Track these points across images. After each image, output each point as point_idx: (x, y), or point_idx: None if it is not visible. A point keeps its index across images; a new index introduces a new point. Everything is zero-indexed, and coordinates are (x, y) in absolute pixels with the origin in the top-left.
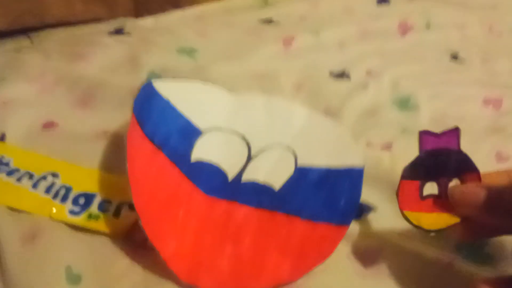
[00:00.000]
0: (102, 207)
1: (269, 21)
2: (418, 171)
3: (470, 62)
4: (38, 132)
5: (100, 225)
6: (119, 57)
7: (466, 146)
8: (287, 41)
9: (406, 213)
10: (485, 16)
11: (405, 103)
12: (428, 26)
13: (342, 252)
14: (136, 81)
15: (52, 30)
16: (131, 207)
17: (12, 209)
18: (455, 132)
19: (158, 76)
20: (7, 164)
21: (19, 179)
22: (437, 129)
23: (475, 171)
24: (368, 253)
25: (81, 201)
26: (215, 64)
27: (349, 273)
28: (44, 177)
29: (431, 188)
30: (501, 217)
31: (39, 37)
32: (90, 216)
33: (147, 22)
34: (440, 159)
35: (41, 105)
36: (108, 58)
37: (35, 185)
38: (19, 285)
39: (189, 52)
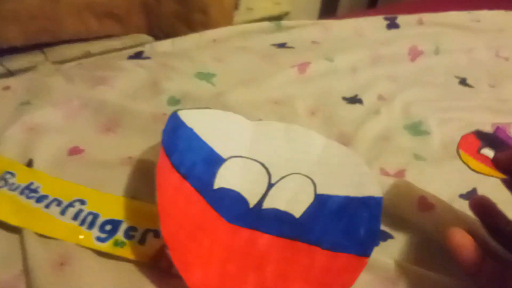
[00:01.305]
0: (128, 234)
1: (282, 45)
2: (486, 137)
3: (479, 87)
4: (64, 158)
5: (126, 252)
6: (139, 81)
7: (475, 175)
8: (302, 67)
9: (461, 152)
10: (492, 40)
11: (416, 128)
12: (437, 51)
13: (362, 280)
14: (157, 106)
15: (67, 46)
16: (156, 234)
17: (40, 235)
18: (506, 129)
19: (178, 101)
20: (35, 191)
21: (47, 206)
22: (446, 155)
23: None
24: (387, 282)
25: (108, 227)
26: (233, 89)
27: None
28: (71, 204)
29: (488, 152)
30: None
31: (53, 53)
32: (116, 243)
33: (165, 45)
34: (503, 146)
35: (67, 131)
36: (129, 82)
37: (63, 212)
38: None
39: (207, 77)
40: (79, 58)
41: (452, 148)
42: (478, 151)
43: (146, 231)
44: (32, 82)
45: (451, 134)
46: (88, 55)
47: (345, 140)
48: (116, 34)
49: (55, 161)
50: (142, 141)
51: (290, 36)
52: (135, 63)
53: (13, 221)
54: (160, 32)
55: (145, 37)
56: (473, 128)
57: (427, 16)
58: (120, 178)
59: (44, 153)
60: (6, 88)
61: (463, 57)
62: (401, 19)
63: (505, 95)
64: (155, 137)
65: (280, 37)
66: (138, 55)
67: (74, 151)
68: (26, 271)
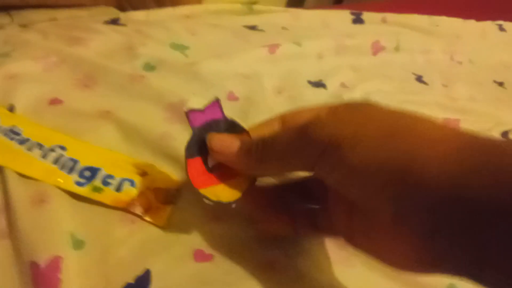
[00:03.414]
0: (106, 181)
1: (253, 28)
2: (197, 147)
3: (433, 85)
4: (44, 107)
5: (103, 197)
6: (115, 45)
7: None
8: (272, 48)
9: (202, 191)
10: (448, 44)
11: None
12: (397, 49)
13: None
14: (133, 69)
15: (33, 10)
16: (132, 184)
17: (21, 175)
18: (216, 103)
19: (153, 67)
20: (18, 134)
21: (29, 149)
22: None
23: (244, 131)
24: None
25: (87, 173)
26: (205, 60)
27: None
28: (52, 149)
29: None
30: (252, 164)
31: (19, 16)
32: (94, 189)
33: (139, 16)
34: (212, 130)
35: (46, 83)
36: (105, 44)
37: (44, 155)
38: (28, 244)
39: (181, 48)
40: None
41: None
42: (208, 168)
43: (123, 180)
44: (8, 35)
45: None
46: (54, 21)
47: None
48: (85, 4)
49: (35, 109)
50: (120, 99)
51: (261, 20)
52: (111, 28)
53: None
54: (129, 6)
55: (113, 10)
56: None
57: (390, 16)
58: (98, 130)
59: (24, 100)
60: None
61: (421, 57)
62: (366, 15)
63: (456, 94)
64: (133, 96)
65: (252, 20)
66: (114, 22)
67: (54, 101)
68: (7, 206)
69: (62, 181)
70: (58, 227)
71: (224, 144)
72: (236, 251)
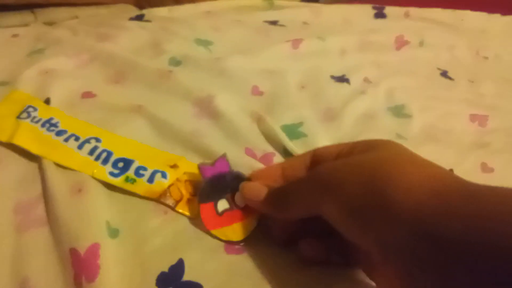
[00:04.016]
0: (138, 172)
1: (274, 23)
2: (208, 194)
3: (459, 81)
4: (78, 100)
5: (136, 188)
6: (141, 41)
7: (453, 157)
8: (296, 43)
9: (214, 232)
10: (473, 40)
11: (399, 111)
12: (421, 44)
13: None
14: (161, 64)
15: (56, 8)
16: (164, 175)
17: (58, 165)
18: (223, 158)
19: (179, 62)
20: (55, 125)
21: (66, 140)
22: (426, 138)
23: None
24: None
25: (120, 164)
26: (230, 56)
27: None
28: (88, 141)
29: (223, 204)
30: (273, 211)
31: (43, 14)
32: (127, 179)
33: (162, 12)
34: (221, 181)
35: (79, 78)
36: (132, 41)
37: (80, 146)
38: (68, 232)
39: (205, 43)
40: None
41: (431, 132)
42: (217, 212)
43: (155, 172)
44: (38, 32)
45: (431, 120)
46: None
47: (332, 115)
48: (105, 2)
49: (70, 102)
50: (150, 94)
51: (282, 15)
52: (137, 24)
53: (34, 150)
54: (147, 4)
55: (132, 7)
56: (452, 116)
57: (413, 10)
58: (131, 124)
59: (59, 94)
60: (15, 35)
61: (445, 52)
62: (389, 10)
63: (483, 90)
64: (162, 92)
65: (272, 15)
66: (138, 18)
67: (87, 95)
68: (46, 194)
69: (97, 171)
70: (96, 216)
71: (253, 192)
72: (266, 247)
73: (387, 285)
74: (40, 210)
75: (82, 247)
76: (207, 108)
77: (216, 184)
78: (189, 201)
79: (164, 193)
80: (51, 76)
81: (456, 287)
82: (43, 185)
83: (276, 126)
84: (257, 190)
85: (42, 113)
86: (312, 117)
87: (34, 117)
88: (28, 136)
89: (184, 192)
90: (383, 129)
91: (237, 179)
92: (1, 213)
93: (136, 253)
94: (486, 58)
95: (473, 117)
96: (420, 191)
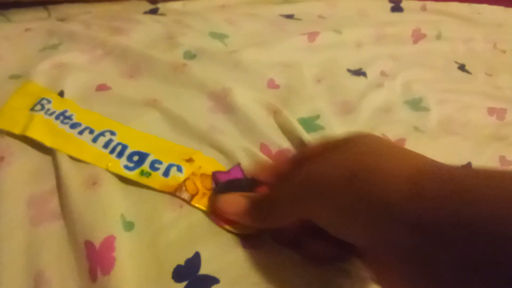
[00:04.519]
0: (153, 166)
1: (290, 17)
2: (223, 191)
3: (476, 74)
4: (92, 93)
5: (151, 181)
6: (156, 35)
7: (471, 150)
8: (312, 36)
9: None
10: (491, 33)
11: (416, 104)
12: (438, 37)
13: None
14: (175, 57)
15: (69, 5)
16: (179, 169)
17: (72, 158)
18: (238, 167)
19: (194, 56)
20: (70, 118)
21: (80, 132)
22: (444, 131)
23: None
24: None
25: (135, 158)
26: (245, 49)
27: None
28: (102, 134)
29: None
30: (256, 222)
31: (56, 10)
32: (142, 173)
33: (176, 6)
34: (235, 183)
35: (93, 72)
36: (146, 35)
37: (94, 139)
38: (83, 225)
39: (220, 37)
40: None
41: (448, 126)
42: None
43: (170, 166)
44: (51, 26)
45: (449, 113)
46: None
47: (348, 108)
48: None
49: (84, 94)
50: (165, 88)
51: (297, 9)
52: (151, 18)
53: (48, 142)
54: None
55: (145, 3)
56: (469, 109)
57: (430, 4)
58: (145, 117)
59: (73, 87)
60: (28, 29)
61: (463, 45)
62: (406, 3)
63: (501, 83)
64: (177, 85)
65: (287, 9)
66: (153, 11)
67: (102, 87)
68: (60, 188)
69: (111, 164)
70: (111, 209)
71: (230, 205)
72: None
73: (385, 282)
74: (54, 203)
75: (97, 240)
76: (222, 102)
77: (231, 186)
78: (204, 196)
79: (180, 187)
80: (65, 70)
81: (442, 271)
82: (57, 178)
83: (293, 118)
84: (234, 203)
85: (57, 105)
86: (328, 110)
87: (48, 109)
88: (42, 129)
89: (199, 186)
90: (400, 122)
91: (252, 184)
92: (14, 206)
93: (151, 246)
94: (503, 51)
95: (491, 110)
96: (399, 181)
